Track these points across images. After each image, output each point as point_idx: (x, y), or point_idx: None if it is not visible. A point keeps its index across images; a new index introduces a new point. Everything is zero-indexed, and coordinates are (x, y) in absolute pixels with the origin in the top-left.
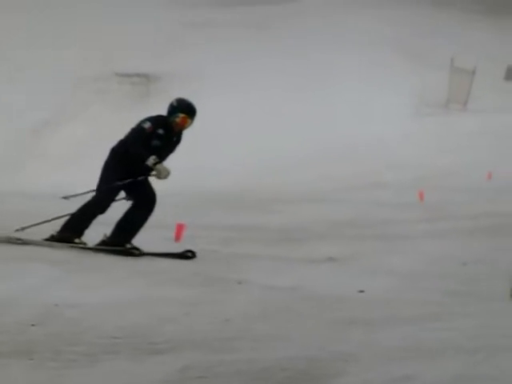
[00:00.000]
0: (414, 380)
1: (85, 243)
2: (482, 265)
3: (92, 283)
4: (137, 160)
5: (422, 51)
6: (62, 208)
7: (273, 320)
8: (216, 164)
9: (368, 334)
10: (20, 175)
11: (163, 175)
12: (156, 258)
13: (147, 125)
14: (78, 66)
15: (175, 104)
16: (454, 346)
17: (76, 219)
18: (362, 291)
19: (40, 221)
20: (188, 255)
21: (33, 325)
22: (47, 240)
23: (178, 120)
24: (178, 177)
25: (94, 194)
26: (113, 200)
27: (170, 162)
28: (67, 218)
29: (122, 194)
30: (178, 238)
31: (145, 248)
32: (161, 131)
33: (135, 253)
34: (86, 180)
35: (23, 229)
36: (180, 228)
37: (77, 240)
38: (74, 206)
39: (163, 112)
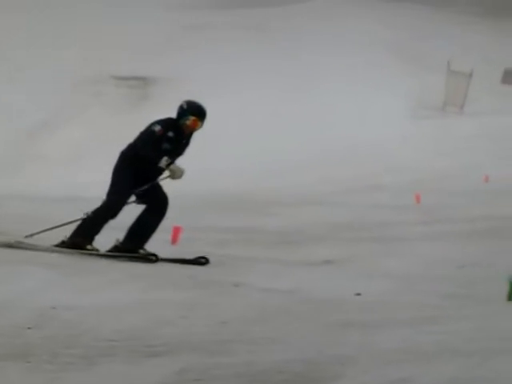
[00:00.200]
0: (410, 382)
1: (97, 250)
2: (479, 268)
3: (89, 286)
4: (148, 162)
5: (420, 54)
6: (63, 211)
7: (270, 323)
8: (214, 166)
9: (365, 337)
10: (18, 177)
11: (178, 175)
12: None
13: (157, 128)
14: (77, 67)
15: (185, 106)
16: (451, 348)
17: (87, 224)
18: (358, 294)
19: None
20: (202, 261)
21: (29, 328)
22: (58, 246)
23: (188, 122)
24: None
25: (105, 198)
26: (124, 204)
27: None
28: (78, 223)
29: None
30: (174, 240)
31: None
32: (171, 134)
33: (152, 259)
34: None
35: (32, 235)
36: (176, 231)
37: (89, 246)
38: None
39: (161, 115)
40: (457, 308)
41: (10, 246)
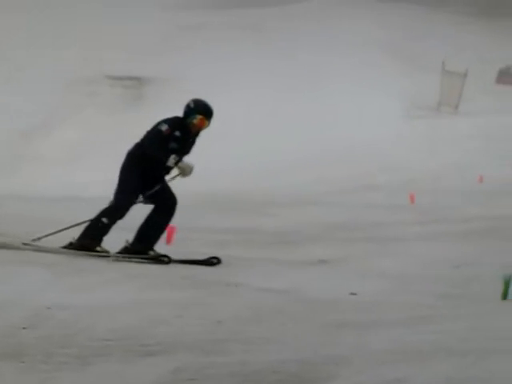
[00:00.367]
0: (405, 382)
1: (107, 251)
2: (474, 267)
3: (83, 286)
4: (156, 162)
5: (414, 54)
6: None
7: (265, 322)
8: (210, 166)
9: (360, 337)
10: (16, 178)
11: (187, 172)
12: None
13: (164, 127)
14: (74, 67)
15: (192, 105)
16: (446, 348)
17: (95, 225)
18: (353, 294)
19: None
20: (213, 262)
21: (24, 328)
22: (65, 248)
23: (195, 121)
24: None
25: (112, 199)
26: (132, 204)
27: None
28: (86, 224)
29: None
30: (168, 240)
31: None
32: (178, 133)
33: (165, 260)
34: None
35: (40, 238)
36: (170, 231)
37: (98, 248)
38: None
39: (156, 115)
40: (451, 308)
41: (17, 248)
